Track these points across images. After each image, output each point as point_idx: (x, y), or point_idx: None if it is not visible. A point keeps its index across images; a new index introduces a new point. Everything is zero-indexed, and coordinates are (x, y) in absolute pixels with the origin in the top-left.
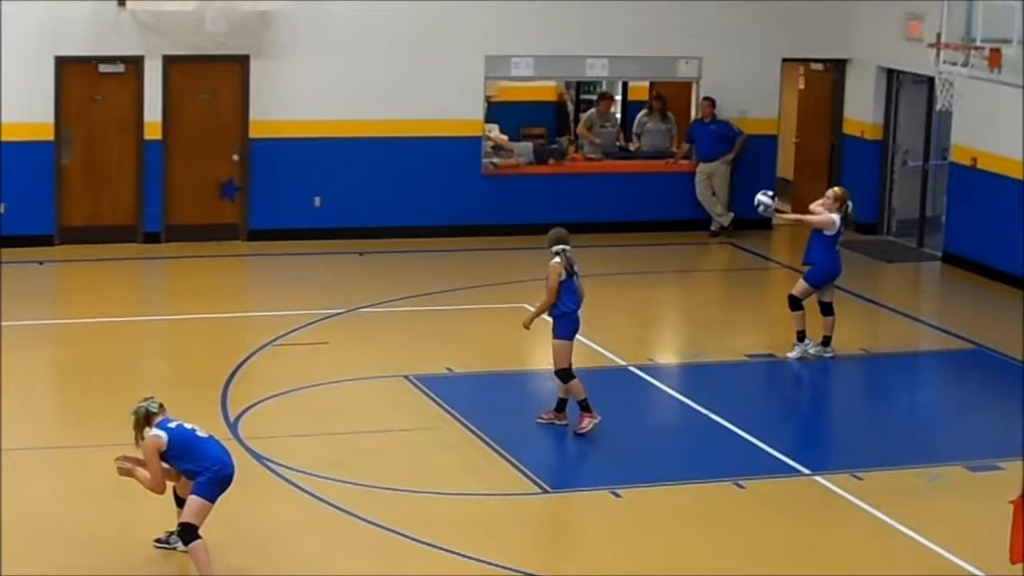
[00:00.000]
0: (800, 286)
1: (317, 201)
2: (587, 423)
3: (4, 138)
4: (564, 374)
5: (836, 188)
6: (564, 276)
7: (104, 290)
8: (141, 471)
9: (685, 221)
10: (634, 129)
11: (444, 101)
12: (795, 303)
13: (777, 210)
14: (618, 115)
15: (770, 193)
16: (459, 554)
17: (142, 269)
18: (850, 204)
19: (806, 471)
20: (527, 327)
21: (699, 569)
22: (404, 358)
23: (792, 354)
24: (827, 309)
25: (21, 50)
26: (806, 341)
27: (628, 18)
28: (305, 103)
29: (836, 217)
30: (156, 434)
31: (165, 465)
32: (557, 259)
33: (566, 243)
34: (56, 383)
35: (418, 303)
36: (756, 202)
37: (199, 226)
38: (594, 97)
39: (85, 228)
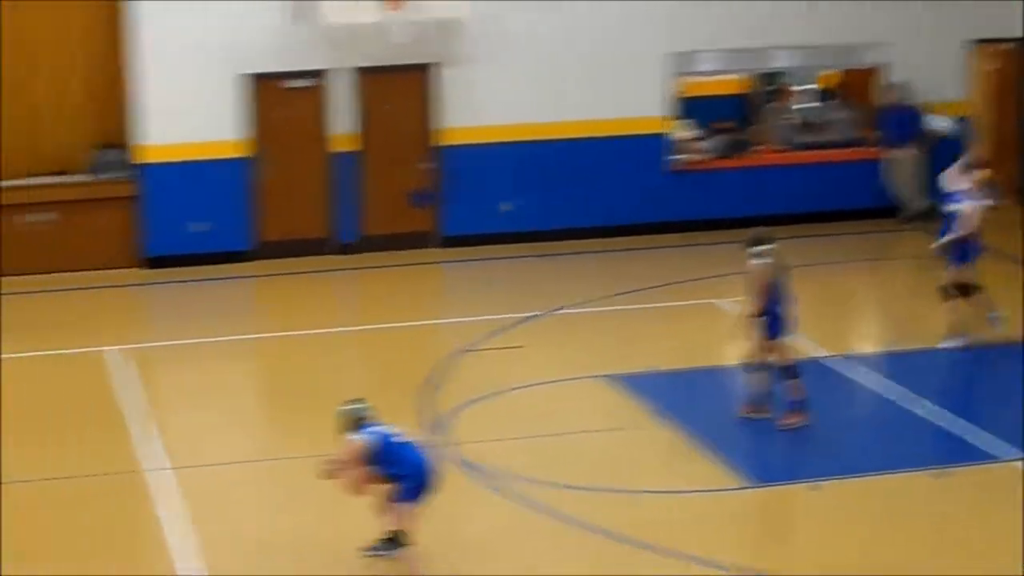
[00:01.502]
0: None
1: (508, 205)
2: (794, 420)
3: (199, 156)
4: (792, 371)
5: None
6: (771, 277)
7: (302, 302)
8: (344, 475)
9: (876, 208)
10: (818, 119)
11: (631, 99)
12: (962, 289)
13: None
14: (799, 106)
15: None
16: (669, 552)
17: (338, 280)
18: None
19: (1013, 457)
20: (735, 335)
21: (906, 560)
22: (600, 358)
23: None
24: (967, 290)
25: (211, 70)
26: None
27: (812, 7)
28: (493, 108)
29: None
30: (359, 438)
31: (368, 469)
32: (761, 260)
33: (767, 243)
34: (258, 395)
35: (612, 303)
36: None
37: (392, 235)
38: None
39: (280, 242)
